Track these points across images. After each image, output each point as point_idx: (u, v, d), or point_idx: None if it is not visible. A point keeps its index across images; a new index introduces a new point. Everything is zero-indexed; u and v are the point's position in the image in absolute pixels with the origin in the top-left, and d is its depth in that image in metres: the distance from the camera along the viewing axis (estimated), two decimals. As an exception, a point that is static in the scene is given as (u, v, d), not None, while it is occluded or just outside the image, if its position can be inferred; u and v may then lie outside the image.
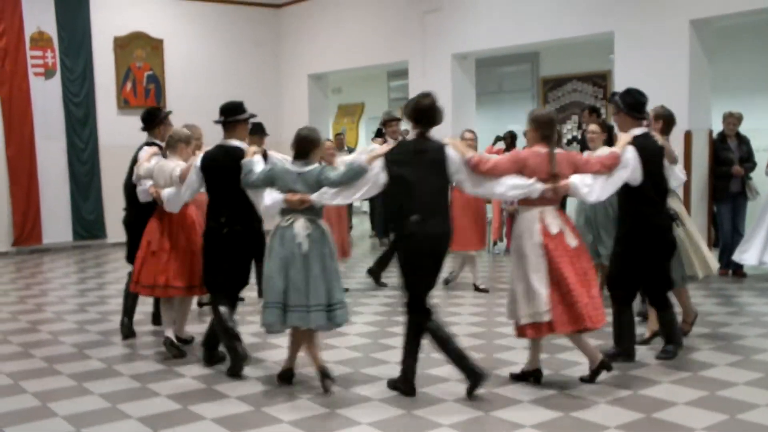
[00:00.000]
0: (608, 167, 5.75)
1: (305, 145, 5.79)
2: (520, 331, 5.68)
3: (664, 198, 6.27)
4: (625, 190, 5.99)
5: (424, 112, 5.59)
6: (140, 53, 14.59)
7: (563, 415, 5.16)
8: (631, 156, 5.85)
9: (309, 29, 15.63)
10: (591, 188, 5.67)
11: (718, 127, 10.43)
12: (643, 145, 5.98)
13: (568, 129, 15.20)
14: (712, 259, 7.18)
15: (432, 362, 6.19)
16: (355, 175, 5.50)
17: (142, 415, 5.29)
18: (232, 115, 6.45)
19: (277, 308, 5.53)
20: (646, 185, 5.99)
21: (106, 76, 14.27)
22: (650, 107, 8.05)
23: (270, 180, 5.72)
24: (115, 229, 14.11)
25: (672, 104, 9.64)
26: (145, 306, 7.93)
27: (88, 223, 14.09)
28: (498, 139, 12.45)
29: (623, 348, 6.26)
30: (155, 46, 14.74)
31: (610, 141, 8.71)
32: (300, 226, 5.56)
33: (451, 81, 12.92)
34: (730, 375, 5.99)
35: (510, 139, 13.51)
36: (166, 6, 14.91)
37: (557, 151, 5.65)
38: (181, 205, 6.58)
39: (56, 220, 13.75)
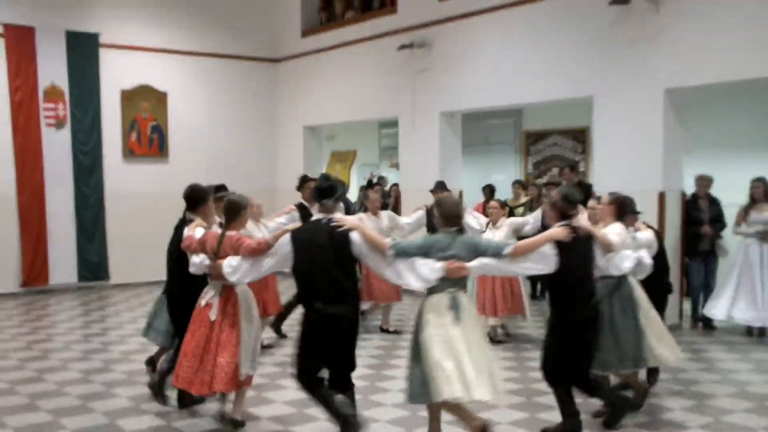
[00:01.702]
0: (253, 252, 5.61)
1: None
2: None
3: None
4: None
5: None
6: (146, 105, 14.65)
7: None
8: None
9: (305, 83, 15.74)
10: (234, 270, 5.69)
11: (690, 184, 10.55)
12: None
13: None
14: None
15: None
16: None
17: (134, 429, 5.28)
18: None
19: None
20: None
21: (113, 126, 14.30)
22: (627, 167, 8.19)
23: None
24: (118, 271, 14.26)
25: (646, 166, 9.86)
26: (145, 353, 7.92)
27: (92, 266, 14.05)
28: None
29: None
30: (160, 98, 14.80)
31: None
32: None
33: (439, 136, 13.00)
34: (701, 438, 6.02)
35: (489, 192, 13.62)
36: (171, 61, 14.99)
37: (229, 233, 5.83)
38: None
39: (63, 262, 13.71)
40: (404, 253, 5.39)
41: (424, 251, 5.38)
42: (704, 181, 10.40)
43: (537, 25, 11.33)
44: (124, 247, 14.30)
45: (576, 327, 5.78)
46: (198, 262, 5.96)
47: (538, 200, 11.86)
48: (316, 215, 5.75)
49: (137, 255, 14.12)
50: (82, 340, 9.77)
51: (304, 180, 10.01)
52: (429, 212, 9.55)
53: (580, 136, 14.72)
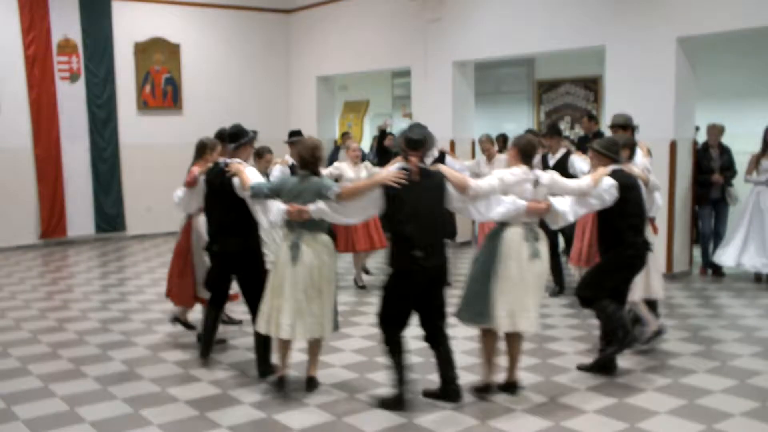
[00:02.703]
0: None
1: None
2: None
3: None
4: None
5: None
6: (159, 57, 14.60)
7: (554, 425, 5.25)
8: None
9: (317, 34, 15.63)
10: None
11: (702, 133, 10.49)
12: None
13: (561, 129, 15.18)
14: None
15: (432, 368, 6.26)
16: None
17: (161, 421, 5.39)
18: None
19: None
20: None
21: (127, 79, 14.28)
22: (639, 116, 8.15)
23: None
24: (135, 223, 14.37)
25: (658, 115, 9.79)
26: (165, 305, 8.04)
27: (109, 217, 14.16)
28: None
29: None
30: (173, 50, 14.74)
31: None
32: None
33: (451, 86, 12.93)
34: (708, 383, 6.07)
35: (503, 141, 13.57)
36: (183, 13, 14.89)
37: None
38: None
39: (80, 214, 13.81)
40: (259, 193, 5.76)
41: (276, 192, 5.71)
42: (715, 130, 10.33)
43: (549, -27, 11.18)
44: (140, 199, 14.38)
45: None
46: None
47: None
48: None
49: (153, 206, 14.22)
50: (100, 290, 9.90)
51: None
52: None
53: (592, 85, 14.59)
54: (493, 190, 5.50)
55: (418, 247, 5.28)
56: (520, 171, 5.65)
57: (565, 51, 11.59)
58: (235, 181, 6.09)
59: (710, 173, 10.17)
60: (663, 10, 9.76)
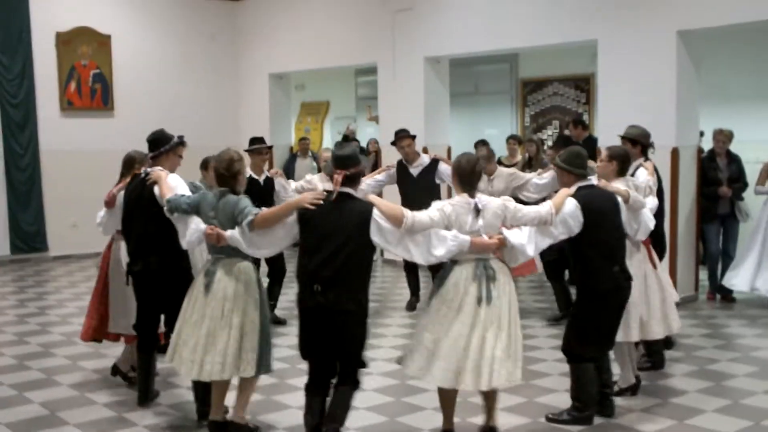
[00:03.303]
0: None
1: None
2: None
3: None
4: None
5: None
6: (85, 50, 14.48)
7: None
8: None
9: (270, 25, 15.61)
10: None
11: (707, 139, 10.60)
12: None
13: (549, 135, 15.32)
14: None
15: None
16: None
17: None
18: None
19: None
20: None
21: (47, 75, 14.16)
22: (637, 121, 8.22)
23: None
24: (58, 242, 14.19)
25: (659, 118, 9.86)
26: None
27: (27, 236, 14.01)
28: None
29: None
30: (102, 42, 14.64)
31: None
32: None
33: (423, 84, 12.98)
34: (717, 424, 6.11)
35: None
36: (114, -1, 14.86)
37: None
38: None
39: (-8, 231, 13.68)
40: (177, 207, 5.76)
41: (195, 208, 5.72)
42: (722, 136, 10.41)
43: (535, -42, 11.29)
44: (64, 214, 14.21)
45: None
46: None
47: (537, 157, 11.84)
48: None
49: (80, 223, 14.07)
50: (16, 321, 9.77)
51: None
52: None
53: (584, 85, 14.74)
54: (432, 223, 5.31)
55: (317, 281, 5.17)
56: (458, 199, 5.52)
57: (553, 46, 11.69)
58: (156, 189, 6.12)
59: (717, 185, 10.26)
60: (662, 1, 9.88)
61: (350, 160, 5.30)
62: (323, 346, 5.29)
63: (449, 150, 12.91)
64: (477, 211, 5.40)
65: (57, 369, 7.69)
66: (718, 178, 10.30)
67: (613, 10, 10.39)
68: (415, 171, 9.72)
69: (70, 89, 14.41)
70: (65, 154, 14.28)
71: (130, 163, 6.94)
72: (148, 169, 6.35)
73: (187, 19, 15.68)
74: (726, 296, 10.40)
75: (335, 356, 5.31)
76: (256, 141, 9.65)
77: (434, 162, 9.77)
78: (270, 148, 9.86)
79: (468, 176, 5.52)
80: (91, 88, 14.60)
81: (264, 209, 5.43)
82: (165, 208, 5.86)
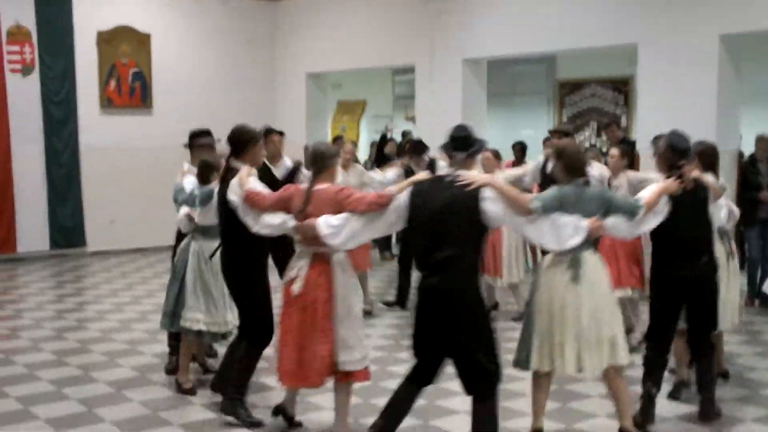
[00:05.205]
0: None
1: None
2: None
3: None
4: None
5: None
6: (126, 49, 14.59)
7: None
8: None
9: (308, 25, 15.65)
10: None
11: (749, 143, 10.49)
12: None
13: (586, 136, 15.23)
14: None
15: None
16: None
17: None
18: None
19: None
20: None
21: (88, 73, 14.27)
22: (677, 125, 8.09)
23: None
24: (96, 237, 14.30)
25: (699, 122, 9.77)
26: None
27: (66, 231, 14.12)
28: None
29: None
30: (142, 41, 14.74)
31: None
32: None
33: (461, 85, 12.97)
34: (756, 434, 6.04)
35: (520, 150, 13.52)
36: (155, -2, 14.95)
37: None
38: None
39: (32, 227, 13.77)
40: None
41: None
42: (764, 142, 10.33)
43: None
44: (103, 211, 14.34)
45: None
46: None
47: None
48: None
49: (118, 219, 14.19)
50: (55, 316, 9.84)
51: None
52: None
53: (622, 87, 14.65)
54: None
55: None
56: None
57: (593, 49, 11.62)
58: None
59: (758, 190, 10.17)
60: (704, 4, 9.80)
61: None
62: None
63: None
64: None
65: (94, 365, 7.74)
66: (759, 183, 10.20)
67: (654, 14, 10.31)
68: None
69: (110, 87, 14.52)
70: (104, 151, 14.39)
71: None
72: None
73: (226, 19, 15.73)
74: (765, 302, 10.28)
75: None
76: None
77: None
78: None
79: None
80: (130, 86, 14.70)
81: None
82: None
